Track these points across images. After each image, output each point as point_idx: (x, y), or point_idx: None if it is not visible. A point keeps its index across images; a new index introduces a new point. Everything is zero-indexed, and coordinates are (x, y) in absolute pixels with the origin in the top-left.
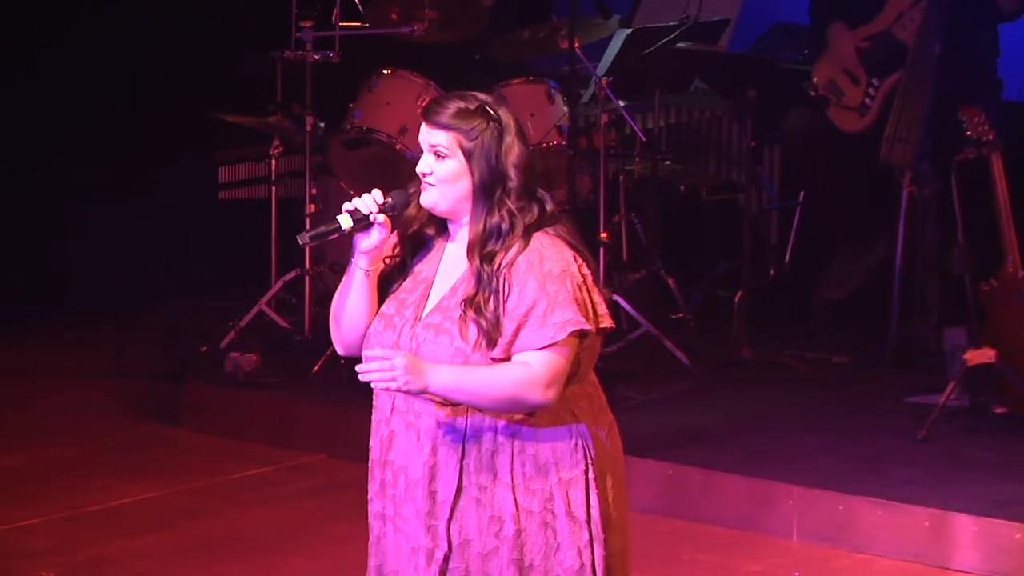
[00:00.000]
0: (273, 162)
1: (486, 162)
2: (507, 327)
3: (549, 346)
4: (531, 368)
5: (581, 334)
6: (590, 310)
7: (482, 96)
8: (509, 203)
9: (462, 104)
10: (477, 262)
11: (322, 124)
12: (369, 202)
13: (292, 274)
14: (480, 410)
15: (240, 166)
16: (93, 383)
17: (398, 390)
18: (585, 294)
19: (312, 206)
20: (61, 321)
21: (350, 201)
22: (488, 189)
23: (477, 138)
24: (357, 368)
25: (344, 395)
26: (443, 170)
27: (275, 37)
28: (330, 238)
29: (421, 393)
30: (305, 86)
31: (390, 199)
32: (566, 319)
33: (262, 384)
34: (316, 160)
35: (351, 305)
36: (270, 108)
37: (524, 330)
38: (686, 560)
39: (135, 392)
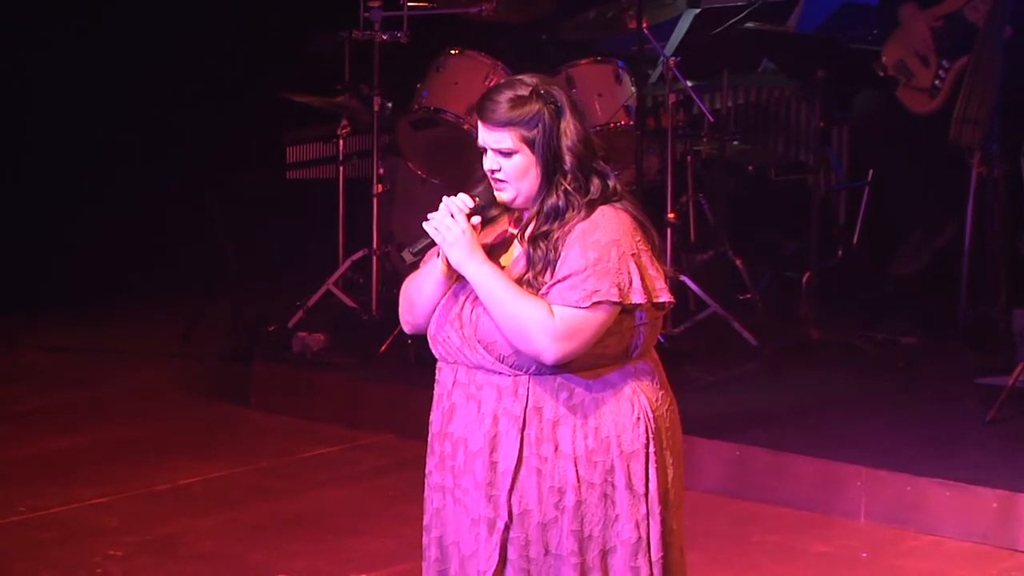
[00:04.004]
0: (341, 142)
1: (547, 146)
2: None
3: (572, 307)
4: (552, 316)
5: (623, 308)
6: (633, 283)
7: (530, 79)
8: (566, 183)
9: (513, 93)
10: (527, 243)
11: (390, 104)
12: (461, 205)
13: (360, 254)
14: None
15: (308, 146)
16: (162, 363)
17: (439, 250)
18: (631, 267)
19: (379, 186)
20: (130, 302)
21: (443, 202)
22: (549, 171)
23: (537, 125)
24: (427, 220)
25: (412, 375)
26: (511, 167)
27: (343, 17)
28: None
29: (458, 268)
30: (373, 66)
31: (478, 199)
32: (596, 289)
33: (330, 364)
34: (384, 140)
35: (427, 292)
36: (338, 88)
37: (557, 286)
38: (754, 541)
39: (203, 372)
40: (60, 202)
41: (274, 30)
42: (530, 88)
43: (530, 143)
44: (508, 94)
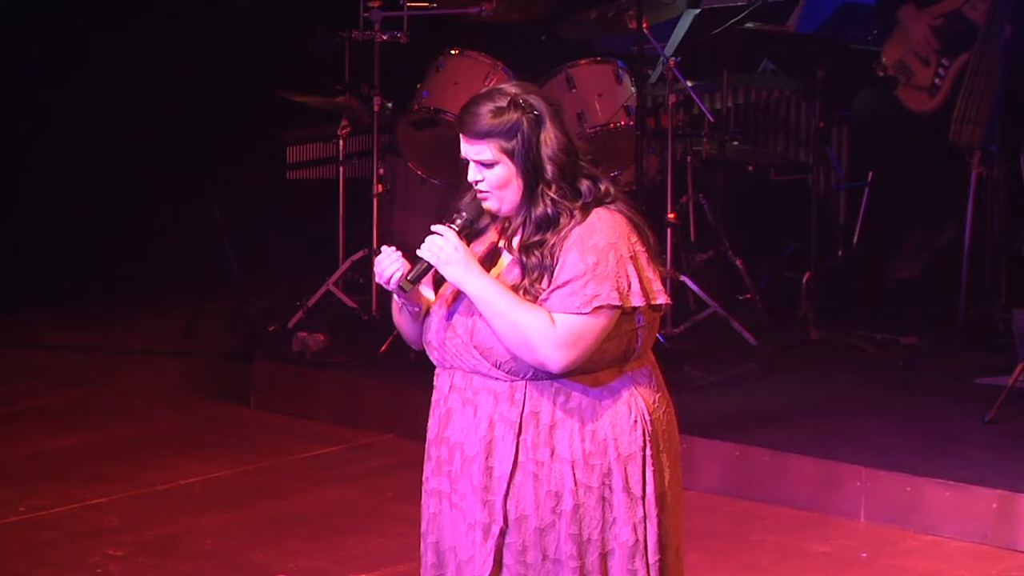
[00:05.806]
0: (341, 142)
1: (527, 156)
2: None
3: (574, 314)
4: (553, 325)
5: (623, 311)
6: (632, 286)
7: (511, 88)
8: (551, 192)
9: (492, 104)
10: (518, 252)
11: (390, 104)
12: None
13: (360, 254)
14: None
15: (308, 146)
16: (162, 363)
17: (436, 267)
18: (630, 269)
19: (379, 186)
20: (130, 301)
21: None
22: (531, 180)
23: (516, 135)
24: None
25: (411, 375)
26: (493, 177)
27: (343, 17)
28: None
29: (457, 284)
30: (373, 66)
31: (465, 214)
32: (596, 294)
33: (329, 364)
34: (384, 140)
35: (405, 324)
36: (338, 88)
37: (556, 292)
38: (753, 541)
39: (203, 371)
40: (60, 201)
41: (275, 30)
42: (509, 98)
43: (510, 153)
44: (487, 105)
